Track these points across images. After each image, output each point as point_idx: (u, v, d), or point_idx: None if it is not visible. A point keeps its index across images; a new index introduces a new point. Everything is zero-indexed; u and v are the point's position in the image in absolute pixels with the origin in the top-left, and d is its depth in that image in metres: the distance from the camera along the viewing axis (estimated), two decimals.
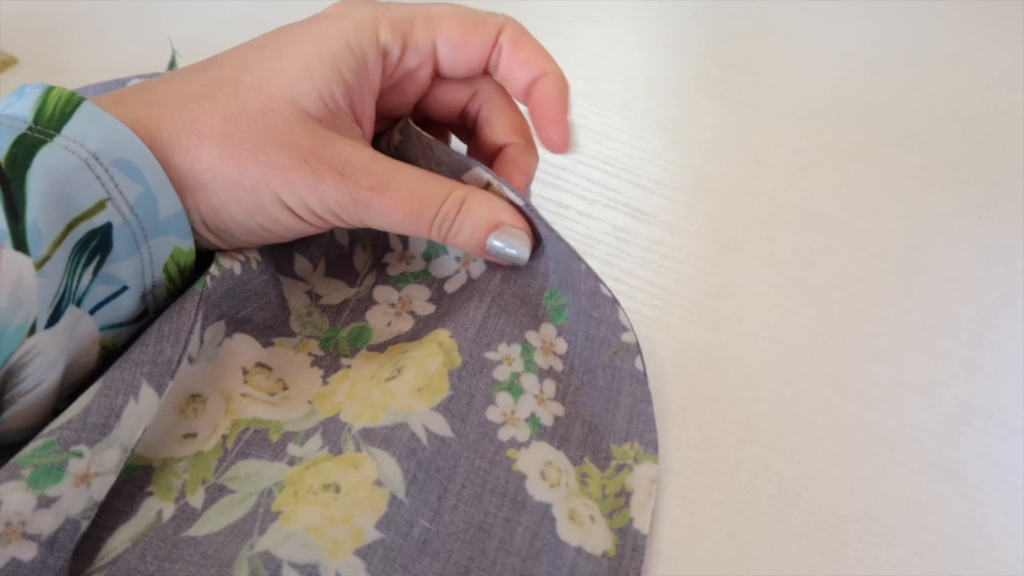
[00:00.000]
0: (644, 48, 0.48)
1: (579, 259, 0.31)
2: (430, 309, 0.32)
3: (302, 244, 0.33)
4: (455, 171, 0.31)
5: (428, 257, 0.34)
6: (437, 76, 0.32)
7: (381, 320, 0.32)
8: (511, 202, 0.30)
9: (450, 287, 0.33)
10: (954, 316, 0.35)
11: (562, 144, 0.32)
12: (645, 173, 0.40)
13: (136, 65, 0.41)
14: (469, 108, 0.34)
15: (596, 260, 0.36)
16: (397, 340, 0.31)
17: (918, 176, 0.41)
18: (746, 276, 0.36)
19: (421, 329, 0.31)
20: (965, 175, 0.42)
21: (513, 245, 0.30)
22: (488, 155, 0.34)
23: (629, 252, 0.36)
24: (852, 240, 0.38)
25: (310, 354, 0.31)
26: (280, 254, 0.33)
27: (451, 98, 0.33)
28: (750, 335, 0.33)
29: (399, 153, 0.32)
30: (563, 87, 0.32)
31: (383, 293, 0.33)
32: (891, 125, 0.44)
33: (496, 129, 0.33)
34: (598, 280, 0.31)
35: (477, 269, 0.33)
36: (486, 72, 0.33)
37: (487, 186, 0.31)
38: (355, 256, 0.34)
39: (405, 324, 0.32)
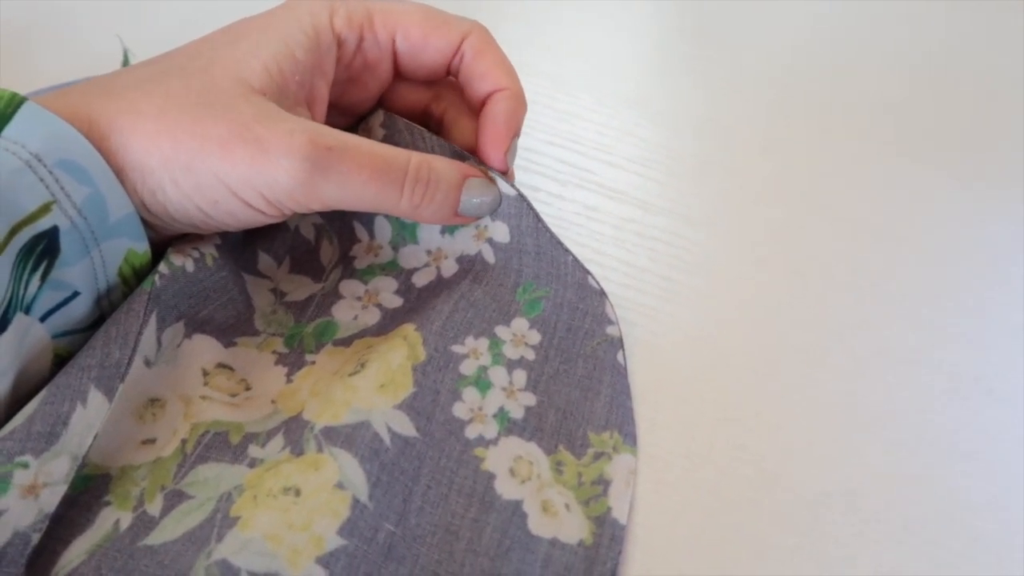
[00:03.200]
0: (612, 26, 0.47)
1: (566, 251, 0.30)
2: (397, 302, 0.32)
3: (266, 241, 0.32)
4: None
5: (396, 246, 0.33)
6: (399, 75, 0.32)
7: (347, 314, 0.31)
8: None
9: (419, 280, 0.32)
10: (935, 283, 0.34)
11: (497, 163, 0.30)
12: (616, 151, 0.39)
13: (105, 67, 0.40)
14: (433, 109, 0.33)
15: (568, 241, 0.35)
16: (363, 334, 0.30)
17: (895, 144, 0.40)
18: (720, 251, 0.35)
19: (388, 323, 0.31)
20: (943, 141, 0.41)
21: (485, 195, 0.29)
22: None
23: (601, 231, 0.35)
24: (828, 210, 0.37)
25: (274, 352, 0.30)
26: (243, 252, 0.32)
27: (414, 97, 0.33)
28: (725, 311, 0.32)
29: None
30: (515, 105, 0.30)
31: (349, 287, 0.32)
32: (866, 93, 0.43)
33: (463, 134, 0.32)
34: (586, 272, 0.31)
35: (448, 268, 0.32)
36: (448, 75, 0.32)
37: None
38: (321, 251, 0.33)
39: (372, 317, 0.31)
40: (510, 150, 0.30)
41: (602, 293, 0.31)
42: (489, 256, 0.31)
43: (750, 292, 0.33)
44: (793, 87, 0.43)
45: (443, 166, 0.28)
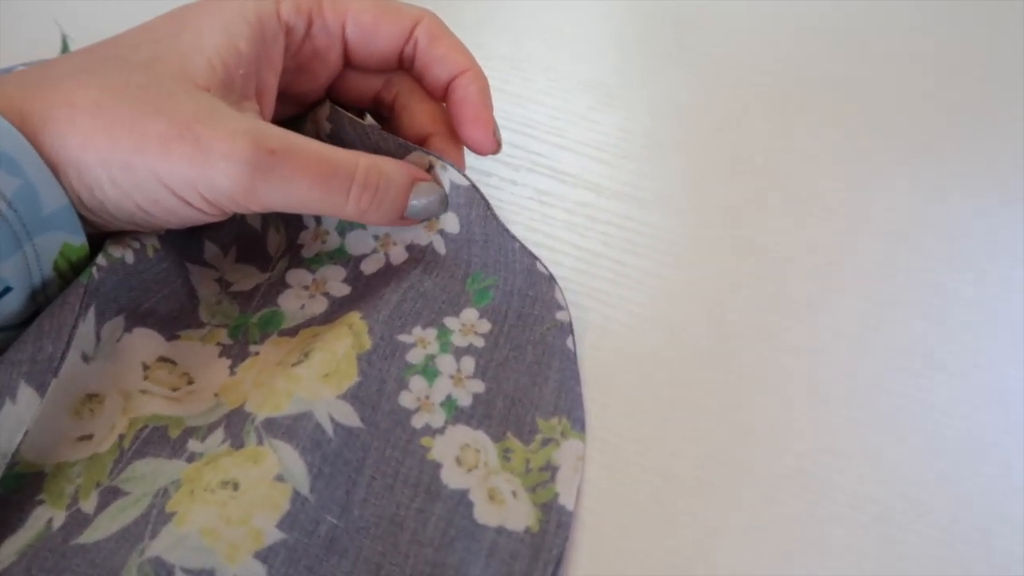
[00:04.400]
0: (569, 8, 0.46)
1: (512, 238, 0.30)
2: (345, 290, 0.31)
3: (211, 230, 0.32)
4: (396, 156, 0.30)
5: (343, 231, 0.32)
6: (349, 64, 0.31)
7: (294, 303, 0.31)
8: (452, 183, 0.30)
9: (367, 268, 0.31)
10: (889, 260, 0.34)
11: (487, 145, 0.30)
12: (569, 135, 0.38)
13: (44, 55, 0.39)
14: (384, 95, 0.32)
15: (520, 227, 0.34)
16: (310, 323, 0.30)
17: (848, 121, 0.40)
18: (673, 233, 0.34)
19: (335, 311, 0.30)
20: (897, 118, 0.41)
21: (431, 196, 0.29)
22: None
23: (553, 216, 0.35)
24: (782, 189, 0.36)
25: (218, 344, 0.29)
26: (188, 241, 0.31)
27: (365, 84, 0.32)
28: (677, 293, 0.32)
29: (332, 142, 0.31)
30: (483, 85, 0.30)
31: (297, 276, 0.31)
32: (822, 73, 0.43)
33: (415, 119, 0.31)
34: (534, 258, 0.30)
35: (397, 255, 0.31)
36: (400, 66, 0.31)
37: (429, 168, 0.30)
38: (268, 239, 0.33)
39: (319, 306, 0.30)
40: (496, 129, 0.31)
41: (551, 278, 0.30)
42: (440, 247, 0.31)
43: (704, 274, 0.33)
44: (749, 66, 0.43)
45: (392, 169, 0.28)
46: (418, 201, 0.29)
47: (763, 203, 0.36)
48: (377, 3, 0.30)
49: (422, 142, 0.31)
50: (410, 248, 0.31)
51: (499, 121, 0.38)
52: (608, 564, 0.25)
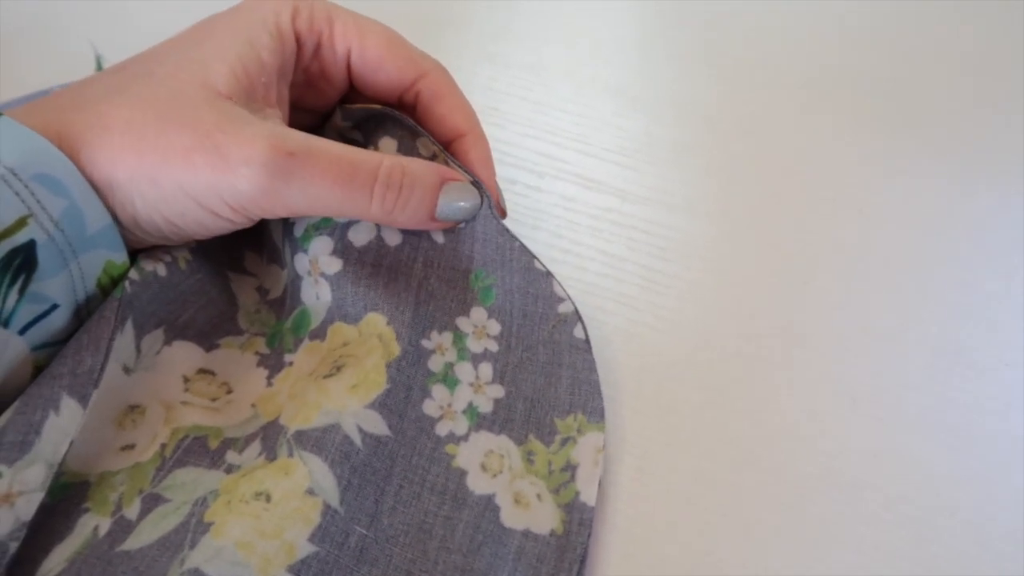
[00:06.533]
0: (589, 13, 0.46)
1: (512, 237, 0.29)
2: (336, 265, 0.29)
3: (251, 238, 0.32)
4: (409, 135, 0.30)
5: None
6: (354, 87, 0.31)
7: (310, 294, 0.30)
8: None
9: (357, 239, 0.30)
10: (916, 258, 0.34)
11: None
12: (593, 140, 0.39)
13: (81, 72, 0.40)
14: None
15: (545, 232, 0.35)
16: (332, 317, 0.29)
17: (874, 120, 0.40)
18: (700, 236, 0.34)
19: (340, 296, 0.29)
20: (923, 116, 0.40)
21: (463, 198, 0.28)
22: None
23: (578, 222, 0.35)
24: (808, 188, 0.36)
25: (256, 353, 0.30)
26: (229, 251, 0.32)
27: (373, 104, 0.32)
28: (705, 296, 0.32)
29: (352, 138, 0.31)
30: (483, 152, 0.30)
31: (300, 262, 0.30)
32: (845, 72, 0.43)
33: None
34: (532, 256, 0.29)
35: (390, 233, 0.30)
36: (401, 106, 0.31)
37: (433, 158, 0.29)
38: (274, 230, 0.33)
39: (324, 292, 0.29)
40: (500, 195, 0.30)
41: (548, 274, 0.29)
42: (438, 236, 0.30)
43: (731, 276, 0.33)
44: (770, 67, 0.43)
45: (419, 169, 0.27)
46: (452, 202, 0.28)
47: (790, 204, 0.36)
48: (389, 41, 0.29)
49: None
50: (403, 229, 0.30)
51: (521, 128, 0.39)
52: (641, 566, 0.25)
